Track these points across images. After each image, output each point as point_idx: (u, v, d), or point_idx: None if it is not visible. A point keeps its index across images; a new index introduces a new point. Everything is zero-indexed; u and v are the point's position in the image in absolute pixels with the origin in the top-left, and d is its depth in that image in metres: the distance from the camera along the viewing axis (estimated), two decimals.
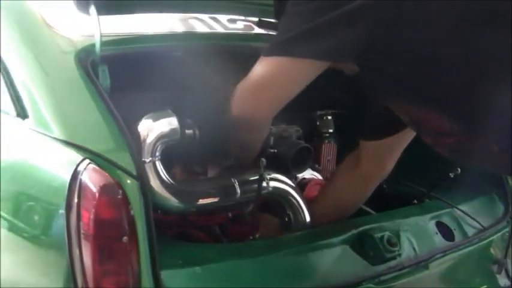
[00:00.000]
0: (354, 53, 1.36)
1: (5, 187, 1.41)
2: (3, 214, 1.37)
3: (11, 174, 1.41)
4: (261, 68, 1.42)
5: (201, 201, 1.57)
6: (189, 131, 1.57)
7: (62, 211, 1.22)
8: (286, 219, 1.74)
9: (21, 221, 1.34)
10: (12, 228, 1.38)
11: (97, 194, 1.18)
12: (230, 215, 1.79)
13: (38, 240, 1.35)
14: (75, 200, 1.19)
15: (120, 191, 1.19)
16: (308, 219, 1.77)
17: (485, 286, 1.97)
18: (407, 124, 1.59)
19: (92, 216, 1.17)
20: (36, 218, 1.31)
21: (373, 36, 1.31)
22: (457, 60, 1.32)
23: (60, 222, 1.23)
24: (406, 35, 1.32)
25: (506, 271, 1.92)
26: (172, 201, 1.50)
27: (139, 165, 1.27)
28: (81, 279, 1.19)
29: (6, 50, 1.57)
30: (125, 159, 1.26)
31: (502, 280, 2.03)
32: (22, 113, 1.47)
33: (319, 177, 2.06)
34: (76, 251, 1.19)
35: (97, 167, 1.21)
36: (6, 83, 1.54)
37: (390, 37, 1.31)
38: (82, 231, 1.18)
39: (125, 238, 1.17)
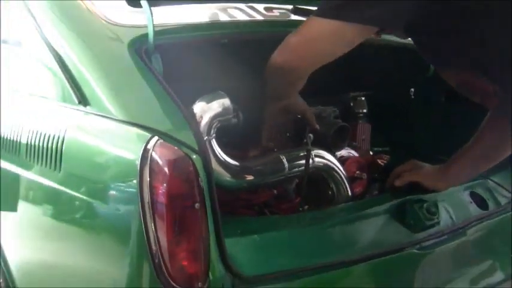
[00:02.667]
0: (404, 21, 1.48)
1: (78, 173, 1.52)
2: (79, 196, 1.48)
3: (80, 160, 1.53)
4: (312, 25, 1.58)
5: (254, 177, 1.67)
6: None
7: (133, 190, 1.31)
8: (330, 193, 1.83)
9: (96, 202, 1.45)
10: (87, 212, 1.49)
11: (170, 168, 1.28)
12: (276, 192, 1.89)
13: (113, 221, 1.44)
14: (147, 176, 1.29)
15: (191, 163, 1.29)
16: (350, 192, 1.86)
17: None
18: (455, 88, 1.70)
19: (165, 189, 1.28)
20: (109, 199, 1.41)
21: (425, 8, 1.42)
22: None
23: (132, 200, 1.33)
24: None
25: None
26: (227, 177, 1.61)
27: (201, 141, 1.37)
28: (156, 250, 1.28)
29: (65, 46, 1.68)
30: (188, 137, 1.36)
31: None
32: (83, 101, 1.57)
33: (356, 155, 2.15)
34: (151, 225, 1.29)
35: (166, 143, 1.31)
36: (65, 74, 1.64)
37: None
38: (156, 204, 1.28)
39: (197, 205, 1.28)
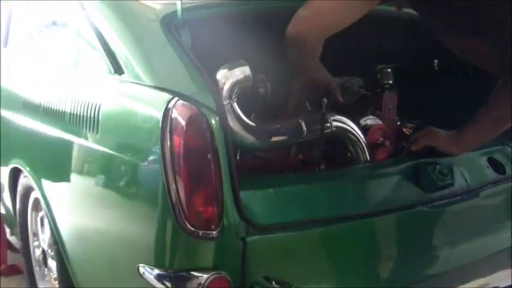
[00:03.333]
0: None
1: (112, 133, 1.70)
2: (113, 153, 1.66)
3: (114, 121, 1.71)
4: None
5: (273, 139, 1.82)
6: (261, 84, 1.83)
7: (156, 144, 1.48)
8: (349, 155, 1.96)
9: (127, 158, 1.63)
10: (120, 168, 1.67)
11: (186, 123, 1.45)
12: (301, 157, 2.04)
13: (140, 174, 1.61)
14: (167, 130, 1.46)
15: (205, 121, 1.46)
16: (368, 156, 1.99)
17: None
18: (458, 55, 1.80)
19: (182, 142, 1.44)
20: (138, 154, 1.59)
21: None
22: None
23: (155, 153, 1.50)
24: None
25: None
26: (249, 138, 1.77)
27: (219, 104, 1.53)
28: (175, 196, 1.44)
29: (104, 23, 1.87)
30: (207, 100, 1.52)
31: None
32: (118, 70, 1.75)
33: (381, 123, 2.27)
34: (170, 174, 1.45)
35: (185, 102, 1.48)
36: (103, 47, 1.83)
37: None
38: (174, 156, 1.45)
39: (209, 155, 1.44)
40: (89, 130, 1.76)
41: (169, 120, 1.45)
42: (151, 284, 1.52)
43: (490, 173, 2.04)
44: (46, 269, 2.39)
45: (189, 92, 1.53)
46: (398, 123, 2.36)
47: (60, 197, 1.96)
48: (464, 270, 1.91)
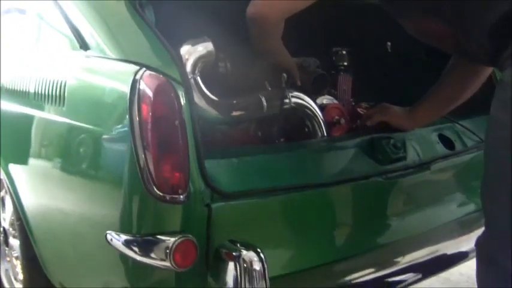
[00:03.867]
0: None
1: (79, 105, 1.75)
2: (81, 124, 1.71)
3: (81, 93, 1.75)
4: None
5: (235, 113, 1.89)
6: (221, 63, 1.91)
7: (124, 113, 1.54)
8: (306, 130, 2.05)
9: (95, 128, 1.68)
10: (87, 138, 1.71)
11: (154, 91, 1.50)
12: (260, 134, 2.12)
13: (108, 143, 1.64)
14: (135, 100, 1.51)
15: (173, 89, 1.52)
16: (325, 132, 2.08)
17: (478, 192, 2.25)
18: (415, 35, 1.90)
19: (150, 110, 1.50)
20: (105, 124, 1.63)
21: None
22: None
23: (124, 122, 1.55)
24: None
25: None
26: (211, 111, 1.84)
27: (185, 76, 1.59)
28: (144, 164, 1.50)
29: (69, 3, 1.90)
30: (173, 72, 1.58)
31: None
32: (84, 46, 1.80)
33: (336, 102, 2.37)
34: (139, 141, 1.50)
35: (153, 72, 1.54)
36: (67, 23, 1.87)
37: None
38: (143, 124, 1.50)
39: (177, 122, 1.50)
40: (54, 104, 1.80)
41: (137, 89, 1.50)
42: (120, 250, 1.56)
43: (440, 148, 2.15)
44: (7, 249, 2.40)
45: (155, 65, 1.58)
46: (353, 104, 2.45)
47: (25, 171, 1.99)
48: (415, 238, 2.01)
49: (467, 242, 2.11)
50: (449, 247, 2.08)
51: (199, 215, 1.58)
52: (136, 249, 1.55)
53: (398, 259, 1.97)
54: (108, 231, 1.59)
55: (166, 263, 1.49)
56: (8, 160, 2.10)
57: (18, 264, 2.37)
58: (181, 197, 1.50)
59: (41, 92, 1.88)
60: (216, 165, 1.63)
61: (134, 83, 1.52)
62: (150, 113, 1.48)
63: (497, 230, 1.63)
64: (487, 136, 1.66)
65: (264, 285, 1.51)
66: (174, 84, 1.53)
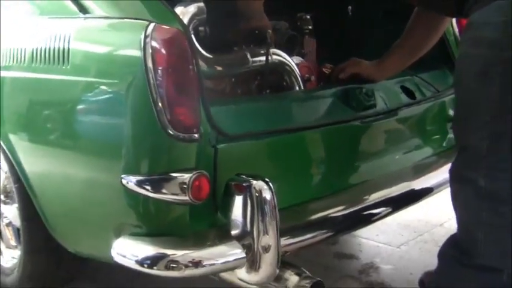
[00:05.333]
0: None
1: (85, 62, 1.87)
2: (89, 79, 1.83)
3: (86, 51, 1.88)
4: None
5: (224, 68, 2.07)
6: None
7: (138, 64, 1.66)
8: (285, 84, 2.24)
9: (105, 81, 1.80)
10: (98, 92, 1.82)
11: (169, 40, 1.65)
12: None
13: (122, 95, 1.74)
14: (150, 50, 1.65)
15: (186, 38, 1.67)
16: (302, 85, 2.28)
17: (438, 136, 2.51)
18: None
19: (166, 58, 1.65)
20: (117, 75, 1.76)
21: None
22: None
23: (138, 73, 1.68)
24: None
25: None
26: (205, 66, 2.00)
27: (187, 30, 1.75)
28: (161, 108, 1.64)
29: None
30: (177, 26, 1.73)
31: None
32: (83, 10, 1.92)
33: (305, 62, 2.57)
34: (155, 89, 1.64)
35: (163, 25, 1.69)
36: None
37: None
38: (158, 72, 1.64)
39: (191, 67, 1.66)
40: (57, 64, 1.91)
41: (151, 40, 1.64)
42: (135, 191, 1.70)
43: (404, 98, 2.39)
44: None
45: (159, 20, 1.73)
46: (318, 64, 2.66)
47: (27, 133, 2.08)
48: (387, 177, 2.24)
49: (430, 179, 2.35)
50: (416, 184, 2.31)
51: (208, 155, 1.74)
52: (153, 187, 1.69)
53: (373, 195, 2.18)
54: (122, 175, 1.72)
55: (185, 197, 1.65)
56: (7, 126, 2.17)
57: (8, 231, 2.44)
58: (197, 135, 1.66)
59: (41, 55, 1.97)
60: (218, 111, 1.79)
61: (147, 36, 1.65)
62: (166, 61, 1.63)
63: (470, 152, 1.87)
64: (458, 71, 1.90)
65: (275, 213, 1.66)
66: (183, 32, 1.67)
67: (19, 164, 2.12)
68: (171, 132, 1.64)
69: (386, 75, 2.32)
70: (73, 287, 2.44)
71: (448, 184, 2.24)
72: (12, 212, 2.37)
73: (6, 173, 2.29)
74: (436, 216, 3.17)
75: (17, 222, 2.32)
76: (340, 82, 2.29)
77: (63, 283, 2.35)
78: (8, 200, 2.40)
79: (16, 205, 2.31)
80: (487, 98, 1.80)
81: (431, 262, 2.32)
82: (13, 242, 2.42)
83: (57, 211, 2.07)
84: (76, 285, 2.45)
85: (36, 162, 2.07)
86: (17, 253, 2.38)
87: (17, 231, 2.40)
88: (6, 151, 2.14)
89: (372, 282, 2.53)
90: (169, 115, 1.64)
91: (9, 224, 2.44)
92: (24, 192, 2.14)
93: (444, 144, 2.59)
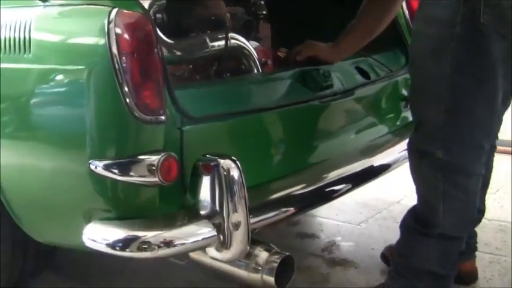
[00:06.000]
0: None
1: (46, 49, 1.88)
2: (51, 66, 1.84)
3: (48, 39, 1.88)
4: None
5: (185, 54, 2.11)
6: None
7: (103, 49, 1.67)
8: (243, 67, 2.29)
9: (68, 67, 1.81)
10: (62, 78, 1.82)
11: (133, 24, 1.67)
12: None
13: (87, 81, 1.74)
14: (114, 34, 1.66)
15: (150, 22, 1.70)
16: (260, 68, 2.33)
17: (392, 114, 2.60)
18: None
19: (131, 42, 1.67)
20: (81, 61, 1.76)
21: None
22: None
23: (102, 57, 1.69)
24: None
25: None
26: (164, 52, 2.02)
27: (149, 15, 1.78)
28: (126, 93, 1.66)
29: None
30: (139, 10, 1.76)
31: (409, 113, 2.66)
32: None
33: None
34: (121, 74, 1.66)
35: (125, 10, 1.71)
36: None
37: None
38: (123, 56, 1.66)
39: (156, 50, 1.69)
40: (18, 53, 1.91)
41: (114, 25, 1.66)
42: (104, 175, 1.72)
43: (359, 78, 2.47)
44: None
45: (121, 7, 1.74)
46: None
47: None
48: (347, 154, 2.32)
49: (387, 156, 2.44)
50: (373, 161, 2.39)
51: (174, 138, 1.78)
52: (122, 171, 1.71)
53: (333, 173, 2.25)
54: (90, 161, 1.74)
55: (154, 179, 1.68)
56: None
57: None
58: (163, 117, 1.69)
59: (0, 44, 1.96)
60: (181, 94, 1.83)
61: (110, 22, 1.67)
62: (131, 46, 1.65)
63: (427, 126, 1.95)
64: (412, 50, 1.98)
65: (244, 191, 1.71)
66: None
67: None
68: (138, 115, 1.67)
69: (341, 56, 2.38)
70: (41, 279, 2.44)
71: (403, 161, 2.35)
72: None
73: None
74: (392, 194, 3.27)
75: None
76: (297, 65, 2.32)
77: (31, 275, 2.33)
78: None
79: None
80: (441, 73, 1.88)
81: (391, 238, 2.43)
82: None
83: (23, 202, 2.06)
84: (44, 277, 2.45)
85: (1, 150, 2.04)
86: None
87: None
88: None
89: (335, 259, 2.61)
90: (136, 99, 1.66)
91: None
92: None
93: (398, 122, 2.67)
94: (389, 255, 2.42)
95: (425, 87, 1.93)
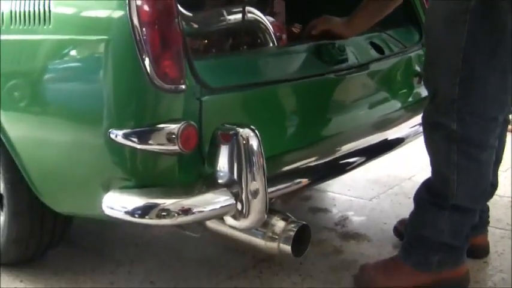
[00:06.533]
0: None
1: (67, 20, 1.89)
2: (72, 37, 1.86)
3: (68, 11, 1.90)
4: None
5: (197, 26, 2.13)
6: None
7: (123, 18, 1.70)
8: (259, 41, 2.31)
9: (89, 37, 1.83)
10: (81, 48, 1.86)
11: None
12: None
13: (107, 50, 1.77)
14: (135, 7, 1.68)
15: None
16: (275, 43, 2.34)
17: (405, 90, 2.61)
18: None
19: (151, 11, 1.69)
20: (100, 31, 1.79)
21: None
22: None
23: (123, 27, 1.72)
24: None
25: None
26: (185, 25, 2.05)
27: None
28: (148, 60, 1.68)
29: None
30: None
31: (421, 89, 2.68)
32: None
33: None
34: (141, 42, 1.68)
35: None
36: None
37: None
38: (144, 26, 1.69)
39: (176, 20, 1.71)
40: (38, 25, 1.93)
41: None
42: (123, 144, 1.75)
43: (373, 53, 2.48)
44: None
45: None
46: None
47: (10, 95, 2.09)
48: (361, 128, 2.34)
49: (400, 130, 2.46)
50: (387, 134, 2.41)
51: (193, 108, 1.80)
52: (142, 139, 1.74)
53: (347, 145, 2.27)
54: (110, 130, 1.76)
55: (174, 147, 1.71)
56: None
57: None
58: (183, 86, 1.71)
59: (20, 16, 1.98)
60: (200, 65, 1.85)
61: None
62: (152, 16, 1.68)
63: (441, 98, 1.97)
64: (428, 22, 2.00)
65: (262, 160, 1.73)
66: None
67: (2, 127, 2.12)
68: (158, 84, 1.69)
69: (355, 31, 2.41)
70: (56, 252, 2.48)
71: (415, 136, 2.37)
72: None
73: None
74: (404, 171, 3.29)
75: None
76: (312, 39, 2.33)
77: (47, 248, 2.38)
78: None
79: None
80: (456, 46, 1.89)
81: (403, 212, 2.45)
82: None
83: (43, 173, 2.09)
84: (59, 250, 2.49)
85: (20, 124, 2.08)
86: None
87: None
88: None
89: (347, 232, 2.64)
90: (156, 68, 1.68)
91: None
92: (7, 155, 2.14)
93: (411, 98, 2.69)
94: (402, 228, 2.44)
95: (439, 59, 1.95)
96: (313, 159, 2.13)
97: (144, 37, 1.68)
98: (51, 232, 2.33)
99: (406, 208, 2.27)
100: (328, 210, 2.87)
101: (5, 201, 2.26)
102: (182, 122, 1.70)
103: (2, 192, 2.28)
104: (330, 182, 3.18)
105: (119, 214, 1.78)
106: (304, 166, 2.10)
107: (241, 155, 1.72)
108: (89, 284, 2.28)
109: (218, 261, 2.39)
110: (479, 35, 1.86)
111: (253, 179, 1.72)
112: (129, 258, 2.45)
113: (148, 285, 2.24)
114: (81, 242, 2.60)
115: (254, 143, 1.71)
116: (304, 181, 2.08)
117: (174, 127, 1.70)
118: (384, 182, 3.22)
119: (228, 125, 1.75)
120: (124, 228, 2.68)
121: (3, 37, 2.05)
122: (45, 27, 1.92)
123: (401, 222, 2.51)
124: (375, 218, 2.64)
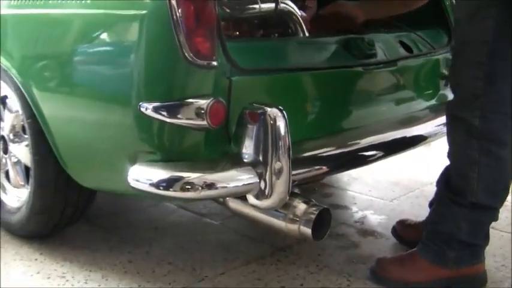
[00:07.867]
0: None
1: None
2: (110, 11, 1.91)
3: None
4: None
5: (230, 11, 2.17)
6: None
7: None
8: (290, 31, 2.34)
9: (125, 11, 1.88)
10: (118, 22, 1.91)
11: None
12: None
13: (143, 25, 1.81)
14: None
15: None
16: (307, 33, 2.38)
17: (431, 91, 2.63)
18: None
19: None
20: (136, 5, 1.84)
21: None
22: None
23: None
24: None
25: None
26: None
27: None
28: (182, 35, 1.73)
29: None
30: None
31: (447, 92, 2.69)
32: None
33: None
34: (177, 17, 1.72)
35: None
36: None
37: None
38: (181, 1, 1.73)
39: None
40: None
41: None
42: (153, 117, 1.78)
43: (402, 51, 2.50)
44: (5, 156, 2.53)
45: None
46: None
47: (44, 69, 2.14)
48: (385, 122, 2.36)
49: (422, 129, 2.47)
50: (409, 131, 2.42)
51: (223, 86, 1.83)
52: (171, 113, 1.77)
53: (369, 138, 2.28)
54: (140, 103, 1.80)
55: (202, 122, 1.74)
56: (24, 63, 2.23)
57: (15, 171, 2.50)
58: (215, 63, 1.75)
59: None
60: (231, 46, 1.88)
61: None
62: None
63: (465, 93, 1.99)
64: (455, 15, 2.02)
65: (288, 140, 1.75)
66: None
67: (33, 99, 2.17)
68: (190, 59, 1.72)
69: (367, 15, 2.48)
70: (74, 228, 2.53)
71: (437, 135, 2.38)
72: (21, 151, 2.42)
73: (17, 111, 2.33)
74: (426, 175, 3.29)
75: (26, 160, 2.37)
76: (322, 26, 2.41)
77: (67, 223, 2.41)
78: (16, 139, 2.45)
79: (25, 143, 2.36)
80: (481, 40, 1.91)
81: (422, 214, 2.45)
82: (21, 181, 2.47)
83: (71, 146, 2.14)
84: (78, 226, 2.54)
85: (52, 97, 2.12)
86: (23, 192, 2.43)
87: (24, 171, 2.45)
88: (21, 87, 2.19)
89: (366, 230, 2.65)
90: (189, 44, 1.72)
91: (17, 163, 2.50)
92: (36, 127, 2.19)
93: (436, 99, 2.70)
94: (400, 229, 2.46)
95: (465, 52, 1.97)
96: (333, 147, 2.15)
97: (180, 13, 1.71)
98: (74, 206, 2.37)
99: (425, 210, 2.27)
100: (348, 208, 2.88)
101: (31, 172, 2.30)
102: (211, 98, 1.73)
103: (29, 165, 2.31)
104: (351, 181, 3.20)
105: (144, 186, 1.80)
106: (325, 154, 2.10)
107: (267, 134, 1.74)
108: (106, 260, 2.30)
109: (236, 248, 2.41)
110: (505, 30, 1.88)
111: (278, 159, 1.74)
112: (147, 240, 2.48)
113: (166, 265, 2.26)
114: (102, 223, 2.64)
115: (281, 123, 1.73)
116: (324, 168, 2.08)
117: (203, 102, 1.72)
118: (405, 184, 3.22)
119: (256, 104, 1.77)
120: (144, 212, 2.72)
121: (36, 11, 2.09)
122: (83, 1, 1.95)
123: (401, 223, 2.52)
124: (394, 218, 2.65)
